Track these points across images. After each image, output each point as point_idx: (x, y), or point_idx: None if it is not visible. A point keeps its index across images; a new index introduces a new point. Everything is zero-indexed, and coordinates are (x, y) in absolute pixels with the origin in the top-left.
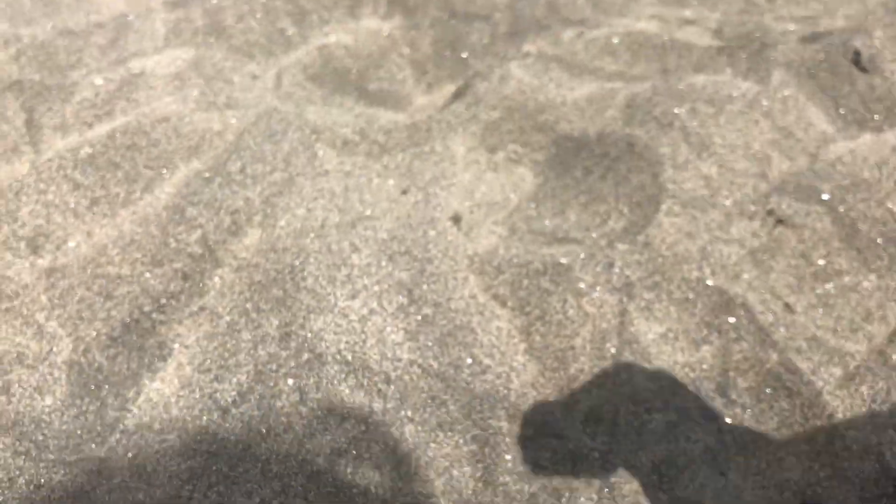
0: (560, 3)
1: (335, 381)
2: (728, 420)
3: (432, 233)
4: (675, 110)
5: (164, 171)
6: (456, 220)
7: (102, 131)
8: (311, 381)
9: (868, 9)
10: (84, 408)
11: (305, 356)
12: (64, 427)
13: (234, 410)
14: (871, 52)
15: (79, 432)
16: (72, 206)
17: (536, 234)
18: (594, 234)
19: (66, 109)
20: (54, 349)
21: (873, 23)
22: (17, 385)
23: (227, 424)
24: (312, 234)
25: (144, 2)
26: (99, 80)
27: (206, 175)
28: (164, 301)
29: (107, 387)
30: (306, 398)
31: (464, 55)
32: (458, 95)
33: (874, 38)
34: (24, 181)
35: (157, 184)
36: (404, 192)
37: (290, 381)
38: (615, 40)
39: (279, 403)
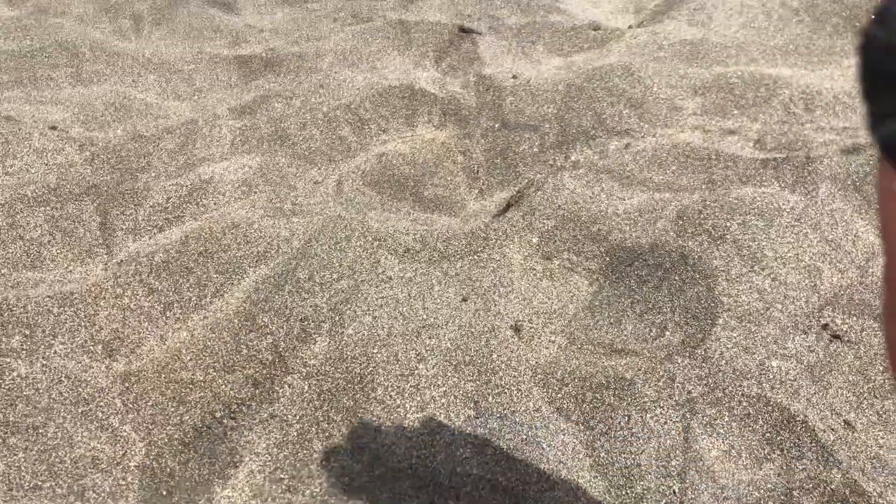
0: (606, 113)
1: (407, 497)
2: None
3: (494, 342)
4: (727, 223)
5: (235, 276)
6: (516, 329)
7: (175, 236)
8: (384, 495)
9: None
10: None
11: (378, 470)
12: None
13: None
14: None
15: None
16: (146, 310)
17: (595, 344)
18: (653, 346)
19: (138, 213)
20: (128, 453)
21: None
22: (91, 490)
23: None
24: (379, 343)
25: (211, 109)
26: (170, 185)
27: (276, 281)
28: (235, 407)
29: (178, 493)
30: None
31: (515, 163)
32: (512, 204)
33: None
34: (102, 286)
35: (228, 289)
36: (465, 300)
37: (364, 496)
38: (662, 152)
39: None
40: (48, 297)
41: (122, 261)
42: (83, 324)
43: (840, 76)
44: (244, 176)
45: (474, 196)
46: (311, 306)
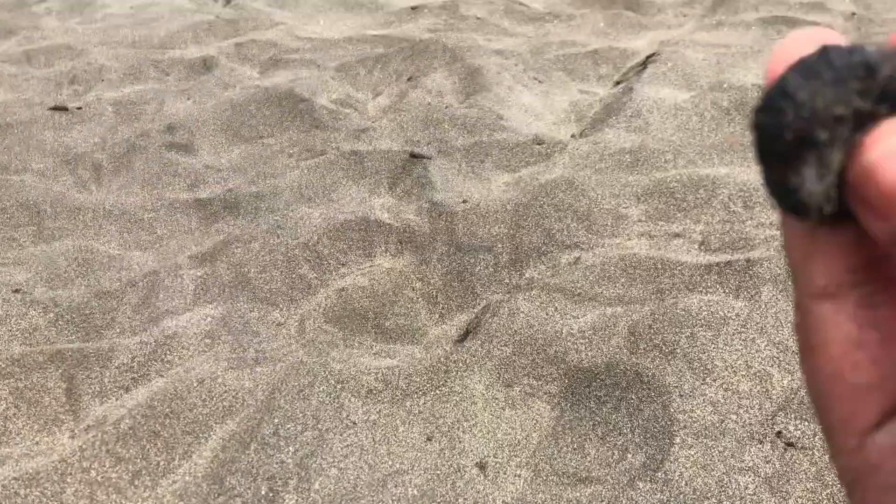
0: (555, 228)
1: None
2: None
3: (460, 484)
4: (676, 337)
5: (202, 435)
6: (481, 466)
7: (141, 397)
8: None
9: None
10: None
11: None
12: None
13: None
14: None
15: None
16: (114, 481)
17: (560, 475)
18: (615, 471)
19: (104, 375)
20: None
21: None
22: None
23: None
24: (347, 497)
25: (172, 258)
26: (134, 343)
27: (242, 438)
28: None
29: None
30: None
31: (472, 285)
32: (470, 331)
33: None
34: (69, 460)
35: (195, 449)
36: (429, 439)
37: None
38: (610, 266)
39: None
40: (14, 478)
41: (89, 426)
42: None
43: None
44: (207, 327)
45: (434, 321)
46: (277, 462)
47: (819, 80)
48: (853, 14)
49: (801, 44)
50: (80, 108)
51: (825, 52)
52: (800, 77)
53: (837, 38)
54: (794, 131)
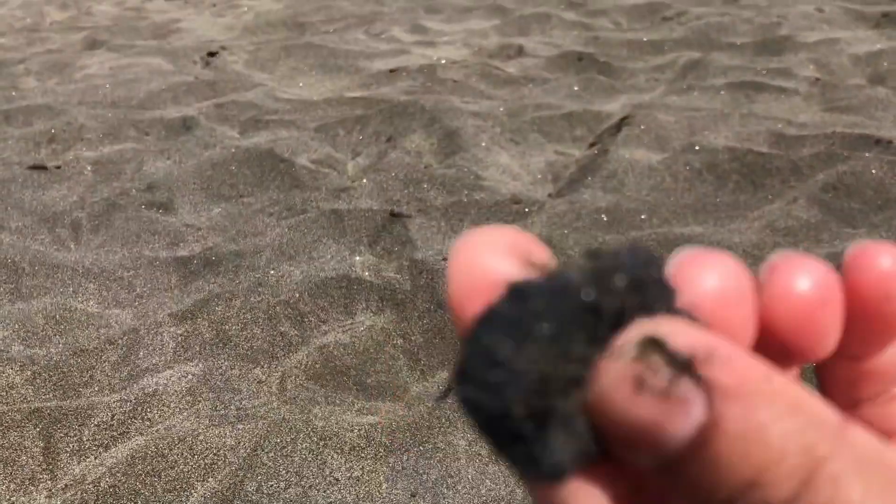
0: None
1: None
2: None
3: None
4: None
5: (183, 494)
6: None
7: (121, 456)
8: None
9: None
10: None
11: None
12: None
13: None
14: None
15: None
16: None
17: None
18: None
19: (83, 433)
20: None
21: None
22: None
23: None
24: None
25: (152, 315)
26: (114, 400)
27: (224, 496)
28: None
29: None
30: None
31: (453, 342)
32: (452, 388)
33: None
34: None
35: None
36: (413, 496)
37: None
38: None
39: None
40: None
41: (67, 485)
42: None
43: (747, 229)
44: (188, 385)
45: (416, 378)
46: None
47: (525, 335)
48: (817, 80)
49: (476, 267)
50: (59, 167)
51: (516, 293)
52: (498, 334)
53: (512, 240)
54: (520, 404)
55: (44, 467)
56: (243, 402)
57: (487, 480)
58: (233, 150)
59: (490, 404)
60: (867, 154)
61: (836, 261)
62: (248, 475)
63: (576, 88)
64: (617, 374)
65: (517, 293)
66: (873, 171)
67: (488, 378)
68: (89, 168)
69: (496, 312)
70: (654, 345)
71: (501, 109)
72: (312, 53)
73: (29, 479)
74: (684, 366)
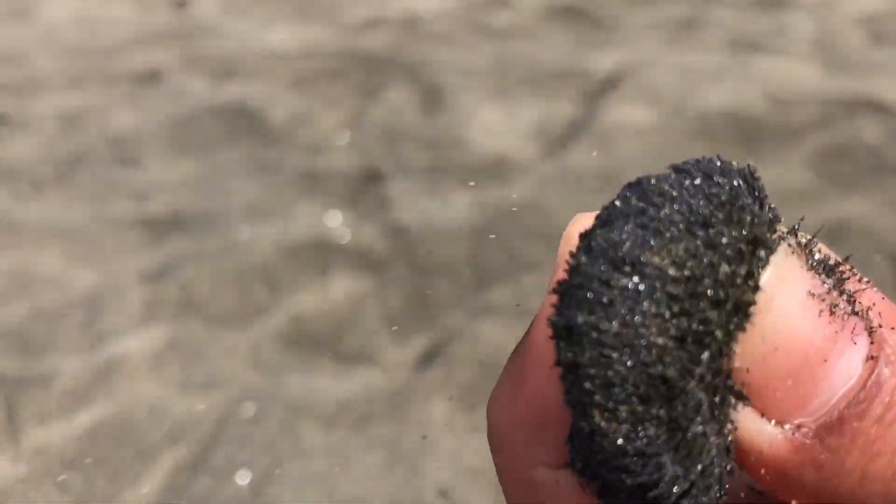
0: (518, 250)
1: None
2: None
3: None
4: None
5: (150, 462)
6: (444, 494)
7: (87, 423)
8: None
9: None
10: None
11: None
12: None
13: None
14: None
15: None
16: None
17: None
18: None
19: (47, 399)
20: None
21: None
22: None
23: None
24: None
25: (119, 277)
26: (78, 365)
27: (194, 464)
28: None
29: None
30: None
31: (432, 308)
32: (432, 356)
33: None
34: (10, 490)
35: (144, 477)
36: (390, 466)
37: None
38: None
39: None
40: None
41: (31, 453)
42: None
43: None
44: (155, 349)
45: (393, 345)
46: (231, 490)
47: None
48: (817, 39)
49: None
50: (19, 120)
51: (638, 187)
52: (626, 229)
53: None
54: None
55: (6, 435)
56: (213, 369)
57: (467, 450)
58: (203, 104)
59: (612, 332)
60: (864, 118)
61: (829, 227)
62: (218, 444)
63: (566, 43)
64: (797, 283)
65: (639, 190)
66: (870, 136)
67: (612, 291)
68: (52, 120)
69: (618, 209)
70: (810, 255)
71: (487, 64)
72: (290, 0)
73: None
74: (839, 282)
